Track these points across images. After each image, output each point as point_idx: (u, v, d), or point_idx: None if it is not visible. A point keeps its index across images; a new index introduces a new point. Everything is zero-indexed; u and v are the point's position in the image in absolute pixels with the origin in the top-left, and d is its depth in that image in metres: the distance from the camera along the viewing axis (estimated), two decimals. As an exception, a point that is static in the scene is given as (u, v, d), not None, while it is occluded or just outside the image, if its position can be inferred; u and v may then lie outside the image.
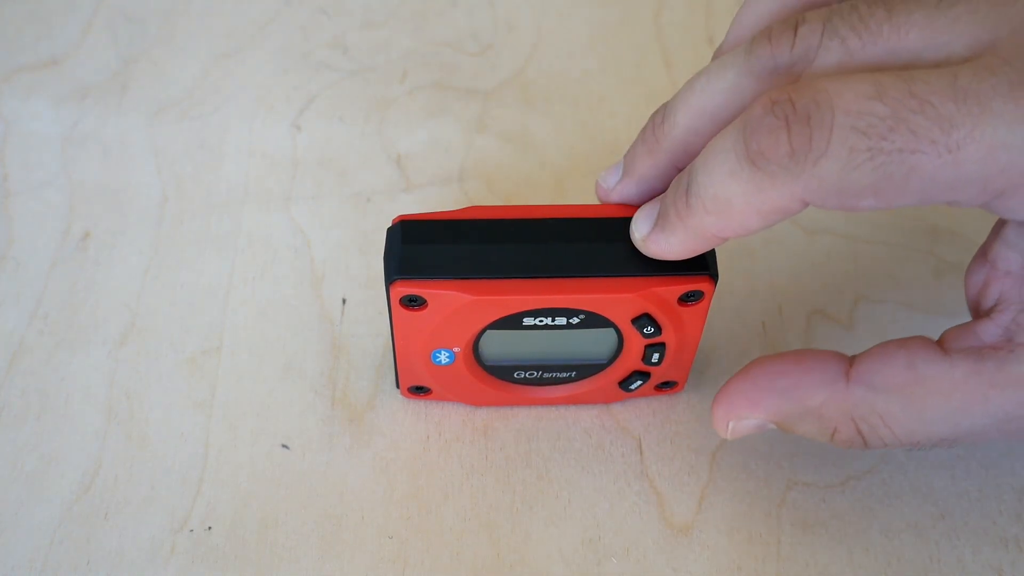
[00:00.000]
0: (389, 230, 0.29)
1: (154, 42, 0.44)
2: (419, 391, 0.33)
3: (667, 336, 0.30)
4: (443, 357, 0.30)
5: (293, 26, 0.45)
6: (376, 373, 0.34)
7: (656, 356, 0.31)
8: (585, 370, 0.32)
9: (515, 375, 0.32)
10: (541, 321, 0.29)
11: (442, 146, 0.41)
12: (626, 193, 0.29)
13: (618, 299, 0.28)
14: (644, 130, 0.29)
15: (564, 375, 0.32)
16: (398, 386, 0.33)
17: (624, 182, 0.29)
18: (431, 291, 0.28)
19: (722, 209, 0.25)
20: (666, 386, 0.33)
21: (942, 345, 0.26)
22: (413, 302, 0.28)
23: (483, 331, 0.30)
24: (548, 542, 0.31)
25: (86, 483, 0.32)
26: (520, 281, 0.28)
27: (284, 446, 0.33)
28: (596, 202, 0.30)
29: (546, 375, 0.32)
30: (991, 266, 0.26)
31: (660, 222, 0.27)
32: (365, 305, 0.36)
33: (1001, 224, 0.26)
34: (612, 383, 0.32)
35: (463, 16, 0.46)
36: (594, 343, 0.31)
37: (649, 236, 0.27)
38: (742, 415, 0.28)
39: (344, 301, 0.36)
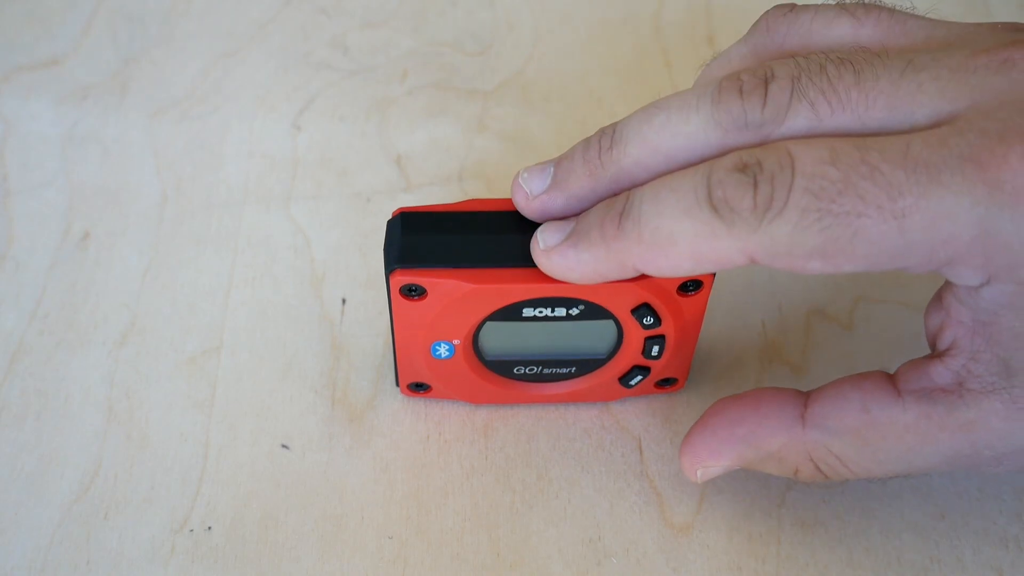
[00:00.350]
0: (389, 222, 0.29)
1: (154, 42, 0.44)
2: (419, 388, 0.33)
3: (666, 328, 0.30)
4: (443, 350, 0.30)
5: (293, 26, 0.45)
6: (376, 373, 0.34)
7: (656, 349, 0.31)
8: (585, 366, 0.32)
9: (515, 371, 0.32)
10: (540, 312, 0.29)
11: (442, 146, 0.41)
12: (551, 205, 0.28)
13: (617, 288, 0.28)
14: (588, 149, 0.28)
15: (564, 371, 0.32)
16: (397, 384, 0.33)
17: (552, 194, 0.28)
18: (431, 280, 0.28)
19: (660, 243, 0.25)
20: (666, 384, 0.33)
21: (896, 384, 0.27)
22: (413, 291, 0.28)
23: (483, 323, 0.30)
24: (548, 542, 0.31)
25: (86, 483, 0.32)
26: (520, 270, 0.28)
27: (284, 446, 0.33)
28: None
29: (546, 371, 0.32)
30: (946, 312, 0.26)
31: (574, 239, 0.27)
32: (365, 305, 0.36)
33: None
34: (612, 379, 0.32)
35: (463, 16, 0.46)
36: (593, 336, 0.31)
37: (556, 248, 0.27)
38: (707, 464, 0.29)
39: (344, 301, 0.36)
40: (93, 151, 0.40)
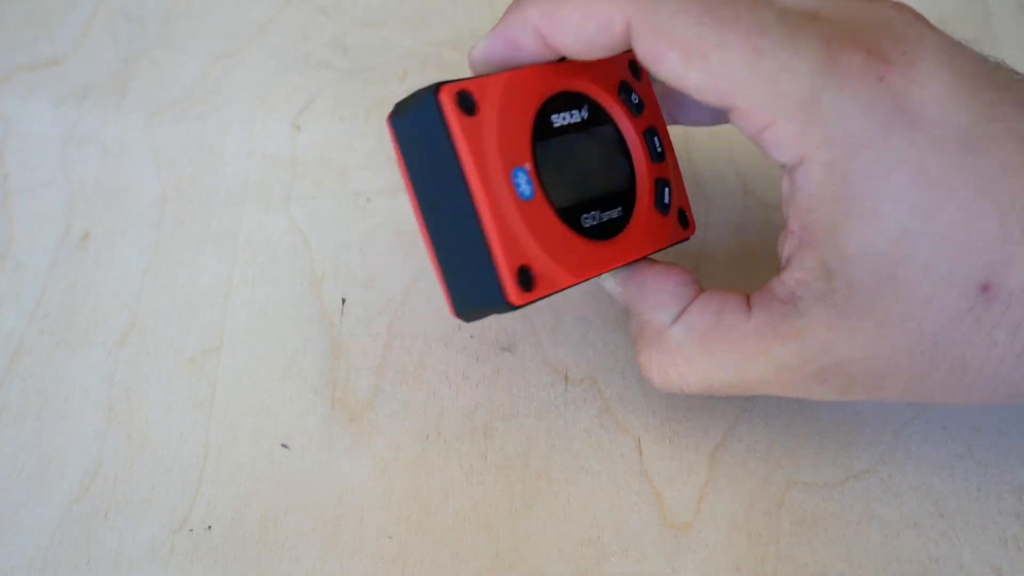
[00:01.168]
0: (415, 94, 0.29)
1: (154, 42, 0.44)
2: (526, 278, 0.27)
3: (652, 114, 0.31)
4: (522, 182, 0.28)
5: (293, 26, 0.45)
6: (376, 373, 0.34)
7: (656, 141, 0.31)
8: (625, 201, 0.31)
9: (583, 220, 0.29)
10: (564, 119, 0.30)
11: (442, 146, 0.41)
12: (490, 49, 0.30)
13: (596, 72, 0.30)
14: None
15: (615, 214, 0.30)
16: (462, 311, 0.29)
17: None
18: (473, 84, 0.28)
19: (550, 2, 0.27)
20: (683, 223, 0.32)
21: (748, 300, 0.28)
22: (464, 103, 0.27)
23: (535, 146, 0.29)
24: (548, 542, 0.31)
25: (86, 483, 0.32)
26: (538, 67, 0.29)
27: (284, 446, 0.33)
28: None
29: (603, 215, 0.30)
30: (787, 231, 0.28)
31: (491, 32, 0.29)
32: (365, 305, 0.36)
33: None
34: (651, 208, 0.31)
35: (463, 16, 0.46)
36: (613, 158, 0.31)
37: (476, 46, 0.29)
38: (612, 276, 0.31)
39: (344, 301, 0.36)
40: (93, 151, 0.40)
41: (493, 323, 0.35)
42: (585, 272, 0.29)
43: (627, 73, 0.31)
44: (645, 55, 0.27)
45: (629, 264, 0.31)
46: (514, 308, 0.27)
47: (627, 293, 0.31)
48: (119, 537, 0.31)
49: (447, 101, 0.27)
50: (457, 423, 0.33)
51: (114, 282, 0.37)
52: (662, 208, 0.31)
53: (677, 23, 0.26)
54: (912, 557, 0.30)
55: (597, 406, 0.33)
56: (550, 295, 0.28)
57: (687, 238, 0.32)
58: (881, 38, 0.26)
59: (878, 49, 0.26)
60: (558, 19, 0.27)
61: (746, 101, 0.26)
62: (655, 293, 0.30)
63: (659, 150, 0.32)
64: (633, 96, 0.31)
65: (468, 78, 0.28)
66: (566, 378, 0.34)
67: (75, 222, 0.38)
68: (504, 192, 0.27)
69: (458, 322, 0.35)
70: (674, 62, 0.26)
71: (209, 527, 0.31)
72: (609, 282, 0.31)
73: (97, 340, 0.35)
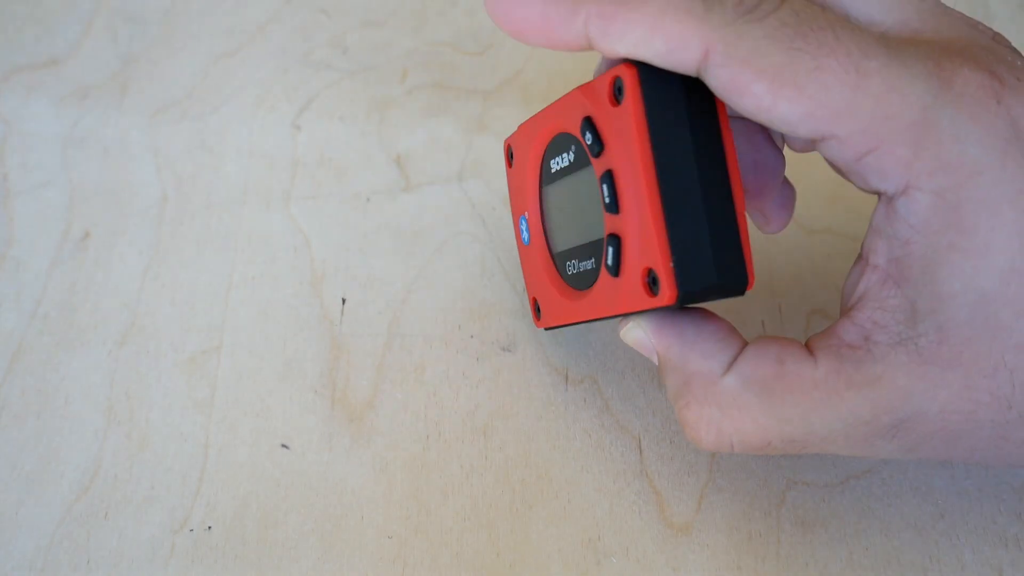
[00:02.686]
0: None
1: (154, 42, 0.44)
2: (538, 308, 0.33)
3: (613, 156, 0.26)
4: (524, 228, 0.32)
5: (293, 26, 0.45)
6: (376, 373, 0.34)
7: (607, 189, 0.26)
8: (596, 253, 0.28)
9: (567, 267, 0.30)
10: (557, 164, 0.30)
11: (442, 146, 0.41)
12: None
13: (571, 101, 0.28)
14: None
15: (589, 265, 0.29)
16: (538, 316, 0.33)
17: None
18: (515, 135, 0.33)
19: None
20: (653, 284, 0.25)
21: (810, 345, 0.26)
22: (510, 155, 0.33)
23: (540, 194, 0.32)
24: (548, 542, 0.31)
25: (86, 483, 0.32)
26: (545, 111, 0.31)
27: (284, 446, 0.33)
28: None
29: (581, 265, 0.29)
30: (864, 262, 0.26)
31: None
32: (365, 305, 0.36)
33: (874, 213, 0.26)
34: (605, 267, 0.28)
35: (463, 16, 0.46)
36: (593, 205, 0.28)
37: None
38: (637, 326, 0.28)
39: (344, 301, 0.36)
40: (93, 151, 0.40)
41: (493, 323, 0.35)
42: (566, 317, 0.31)
43: (602, 100, 0.26)
44: (725, 87, 0.24)
45: (656, 311, 0.27)
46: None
47: (662, 343, 0.27)
48: (119, 537, 0.31)
49: (505, 154, 0.34)
50: (457, 423, 0.33)
51: (114, 282, 0.37)
52: (611, 268, 0.27)
53: (766, 50, 0.23)
54: (912, 558, 0.30)
55: (597, 406, 0.33)
56: (550, 328, 0.33)
57: (659, 307, 0.26)
58: (992, 61, 0.24)
59: (994, 71, 0.24)
60: (619, 24, 0.24)
61: (847, 127, 0.23)
62: (699, 341, 0.27)
63: (607, 200, 0.26)
64: (588, 135, 0.27)
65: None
66: (566, 378, 0.34)
67: (75, 222, 0.38)
68: (517, 236, 0.33)
69: (458, 322, 0.35)
70: (760, 95, 0.23)
71: (209, 527, 0.31)
72: (634, 332, 0.28)
73: (97, 340, 0.35)
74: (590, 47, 0.25)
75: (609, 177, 0.26)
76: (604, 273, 0.28)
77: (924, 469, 0.32)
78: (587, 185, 0.28)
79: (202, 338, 0.35)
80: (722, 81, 0.24)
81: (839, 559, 0.30)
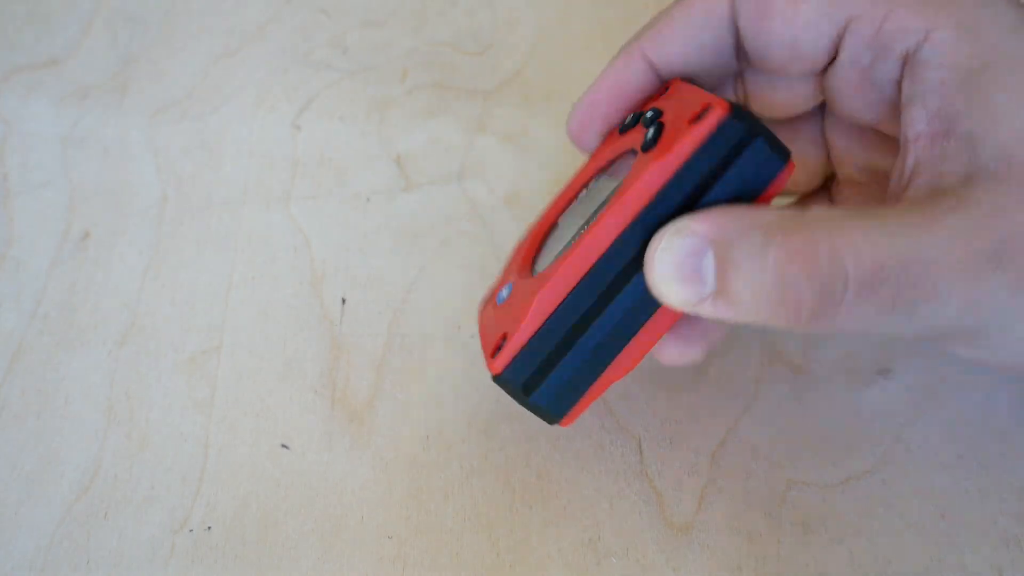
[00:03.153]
0: None
1: (154, 42, 0.44)
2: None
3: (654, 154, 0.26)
4: (504, 290, 0.29)
5: (293, 26, 0.45)
6: (376, 373, 0.34)
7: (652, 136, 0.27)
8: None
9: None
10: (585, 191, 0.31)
11: (442, 146, 0.41)
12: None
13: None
14: None
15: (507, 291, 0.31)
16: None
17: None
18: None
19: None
20: (497, 349, 0.27)
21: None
22: None
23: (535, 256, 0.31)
24: (548, 542, 0.31)
25: (86, 483, 0.32)
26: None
27: (284, 446, 0.33)
28: None
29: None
30: (905, 148, 0.25)
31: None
32: (365, 305, 0.36)
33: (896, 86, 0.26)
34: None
35: (463, 16, 0.46)
36: None
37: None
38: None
39: (344, 301, 0.36)
40: (93, 151, 0.40)
41: (493, 323, 0.35)
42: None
43: (681, 108, 0.26)
44: (751, 16, 0.27)
45: None
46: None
47: (711, 230, 0.24)
48: (119, 537, 0.31)
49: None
50: (457, 423, 0.33)
51: (114, 282, 0.37)
52: (498, 299, 0.29)
53: None
54: (913, 558, 0.30)
55: (597, 406, 0.33)
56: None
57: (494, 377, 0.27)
58: None
59: None
60: (665, 31, 0.29)
61: (861, 3, 0.25)
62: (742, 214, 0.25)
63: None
64: (651, 114, 0.28)
65: None
66: (566, 378, 0.34)
67: (75, 222, 0.38)
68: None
69: (458, 322, 0.35)
70: (782, 7, 0.26)
71: (209, 527, 0.31)
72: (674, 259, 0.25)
73: (97, 340, 0.35)
74: (657, 72, 0.30)
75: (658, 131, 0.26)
76: (493, 302, 0.30)
77: (925, 469, 0.32)
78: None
79: (202, 338, 0.35)
80: (747, 16, 0.27)
81: (839, 560, 0.30)
